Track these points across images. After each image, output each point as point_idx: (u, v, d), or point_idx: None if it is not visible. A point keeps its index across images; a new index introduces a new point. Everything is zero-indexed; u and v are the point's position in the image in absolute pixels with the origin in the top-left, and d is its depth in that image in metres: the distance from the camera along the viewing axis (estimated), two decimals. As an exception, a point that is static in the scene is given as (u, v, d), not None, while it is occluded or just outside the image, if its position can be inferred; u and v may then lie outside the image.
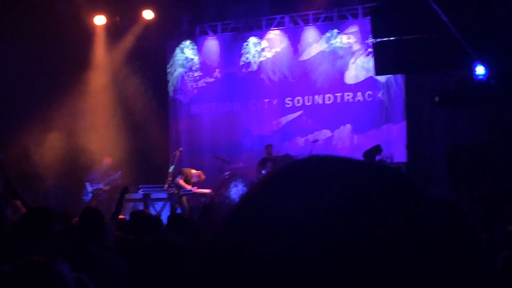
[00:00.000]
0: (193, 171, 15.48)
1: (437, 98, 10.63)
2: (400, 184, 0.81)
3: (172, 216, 8.96)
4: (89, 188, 15.27)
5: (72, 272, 3.75)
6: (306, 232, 0.75)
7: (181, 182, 15.11)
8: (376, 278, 0.73)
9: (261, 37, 17.80)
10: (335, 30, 17.01)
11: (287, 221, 0.76)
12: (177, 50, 18.59)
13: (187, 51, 18.52)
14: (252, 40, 17.86)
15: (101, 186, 15.14)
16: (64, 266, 3.07)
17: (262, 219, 0.78)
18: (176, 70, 18.65)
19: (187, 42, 18.48)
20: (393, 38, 11.68)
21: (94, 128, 18.25)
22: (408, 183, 0.81)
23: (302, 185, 0.80)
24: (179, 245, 2.65)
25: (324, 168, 0.82)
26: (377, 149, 14.67)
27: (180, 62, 18.59)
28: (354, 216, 0.75)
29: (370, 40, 14.69)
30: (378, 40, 12.12)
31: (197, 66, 18.42)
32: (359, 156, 14.13)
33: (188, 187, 15.10)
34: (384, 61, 11.59)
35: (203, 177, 15.53)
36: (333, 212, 0.76)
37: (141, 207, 14.44)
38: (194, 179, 15.34)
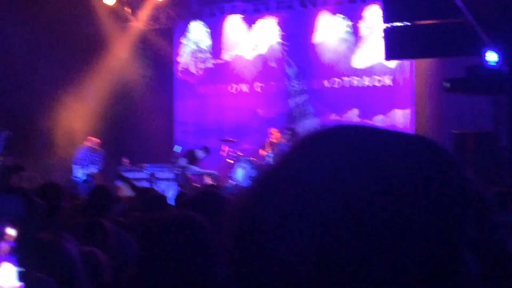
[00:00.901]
0: (198, 150, 15.50)
1: (447, 84, 10.59)
2: (428, 147, 0.89)
3: (180, 195, 8.93)
4: (76, 171, 14.95)
5: (83, 246, 3.76)
6: (339, 191, 0.81)
7: (184, 163, 15.11)
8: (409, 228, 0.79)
9: (269, 19, 17.73)
10: (344, 14, 16.93)
11: (322, 183, 0.82)
12: (186, 31, 18.54)
13: (195, 32, 18.46)
14: (261, 22, 17.79)
15: (91, 170, 14.87)
16: (70, 243, 3.07)
17: (298, 181, 0.84)
18: (184, 51, 18.61)
19: (196, 23, 18.42)
20: (404, 24, 11.62)
21: (101, 108, 18.28)
22: (433, 145, 0.89)
23: (336, 150, 0.86)
24: (200, 221, 2.64)
25: (356, 134, 0.89)
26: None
27: (188, 43, 18.54)
28: (387, 178, 0.81)
29: (381, 25, 14.61)
30: (389, 25, 12.06)
31: (206, 47, 18.38)
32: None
33: (193, 167, 15.11)
34: (394, 46, 11.54)
35: (208, 150, 15.53)
36: (365, 175, 0.81)
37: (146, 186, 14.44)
38: (200, 156, 15.31)
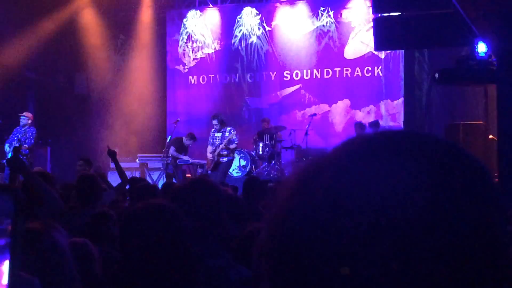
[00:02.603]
0: (184, 137, 15.33)
1: (437, 75, 10.60)
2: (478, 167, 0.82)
3: (167, 185, 8.88)
4: (8, 149, 13.05)
5: (76, 237, 3.75)
6: (400, 206, 0.75)
7: (173, 151, 14.99)
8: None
9: (260, 9, 17.70)
10: (336, 5, 16.93)
11: (381, 195, 0.76)
12: (177, 20, 18.47)
13: (187, 22, 18.39)
14: (252, 12, 17.75)
15: (20, 143, 12.88)
16: (60, 233, 3.06)
17: (357, 192, 0.77)
18: (176, 40, 18.54)
19: (188, 13, 18.36)
20: (394, 14, 11.61)
21: (93, 96, 18.24)
22: (482, 167, 0.83)
23: (394, 160, 0.79)
24: (171, 207, 2.64)
25: (414, 144, 0.82)
26: (375, 125, 14.66)
27: (180, 32, 18.47)
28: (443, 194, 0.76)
29: (371, 15, 14.61)
30: (379, 15, 12.04)
31: (197, 37, 18.32)
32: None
33: (184, 157, 15.05)
34: (384, 36, 11.51)
35: (194, 137, 15.37)
36: (423, 189, 0.76)
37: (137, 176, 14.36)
38: (187, 143, 15.14)
